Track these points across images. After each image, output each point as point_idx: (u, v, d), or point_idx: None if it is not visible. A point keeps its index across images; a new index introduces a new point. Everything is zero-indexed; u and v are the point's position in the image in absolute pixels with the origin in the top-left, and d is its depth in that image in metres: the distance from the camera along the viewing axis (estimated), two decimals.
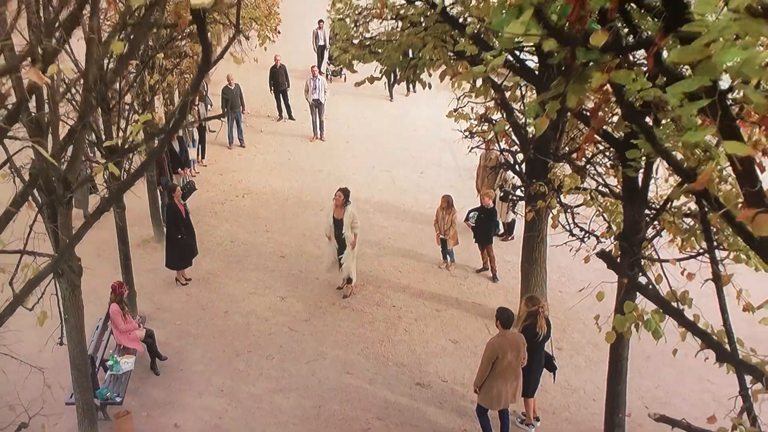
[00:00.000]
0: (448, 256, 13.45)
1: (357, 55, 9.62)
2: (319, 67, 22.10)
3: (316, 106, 19.13)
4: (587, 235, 9.92)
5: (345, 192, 12.12)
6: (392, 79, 21.96)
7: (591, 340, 11.50)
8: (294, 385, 10.48)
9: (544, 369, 9.58)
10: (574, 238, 9.92)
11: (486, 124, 11.57)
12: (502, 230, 14.45)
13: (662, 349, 11.20)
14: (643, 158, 7.12)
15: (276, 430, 9.63)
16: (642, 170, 7.55)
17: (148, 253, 14.03)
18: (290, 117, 20.94)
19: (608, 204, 8.86)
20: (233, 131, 19.00)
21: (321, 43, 24.57)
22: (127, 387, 10.00)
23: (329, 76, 23.70)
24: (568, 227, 9.99)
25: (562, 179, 9.68)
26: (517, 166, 10.79)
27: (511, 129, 10.71)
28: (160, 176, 14.08)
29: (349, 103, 22.31)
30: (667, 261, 7.85)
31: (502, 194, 13.92)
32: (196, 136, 17.23)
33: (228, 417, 9.87)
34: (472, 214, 13.16)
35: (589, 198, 8.82)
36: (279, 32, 16.94)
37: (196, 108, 17.27)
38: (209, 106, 20.25)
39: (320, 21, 24.34)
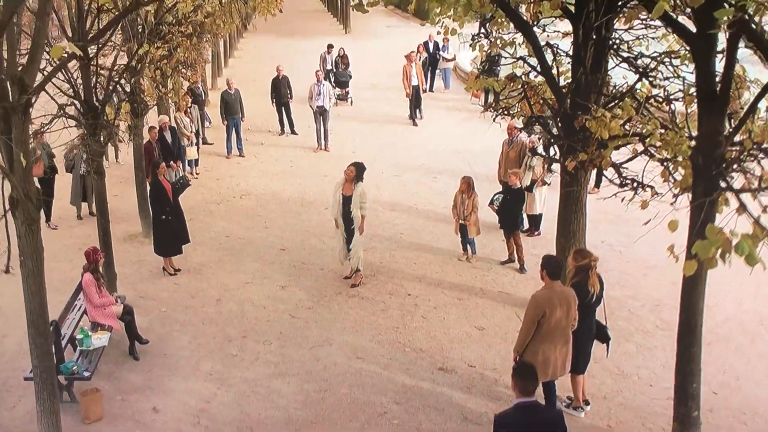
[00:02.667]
0: (468, 246, 11.98)
1: None
2: None
3: (321, 113, 17.94)
4: (640, 186, 8.54)
5: (358, 167, 10.76)
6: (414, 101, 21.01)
7: (640, 327, 9.97)
8: (295, 370, 8.92)
9: (595, 341, 8.07)
10: (625, 189, 8.54)
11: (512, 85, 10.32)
12: (527, 225, 13.01)
13: (724, 336, 9.79)
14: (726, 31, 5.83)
15: (274, 414, 8.05)
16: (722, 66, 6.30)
17: (134, 247, 12.59)
18: (293, 131, 19.71)
19: (669, 136, 7.48)
20: (232, 140, 17.76)
21: (329, 67, 23.67)
22: (98, 363, 8.45)
23: (336, 101, 22.54)
24: (618, 178, 8.63)
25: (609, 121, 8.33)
26: (551, 123, 9.49)
27: (544, 81, 9.50)
28: (149, 166, 12.75)
29: (355, 125, 21.08)
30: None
31: (528, 184, 12.59)
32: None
33: (217, 401, 8.29)
34: (496, 197, 11.79)
35: (647, 122, 7.50)
36: (281, 10, 15.90)
37: (189, 110, 16.04)
38: (208, 123, 19.20)
39: (329, 45, 23.65)
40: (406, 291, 10.94)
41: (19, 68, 6.45)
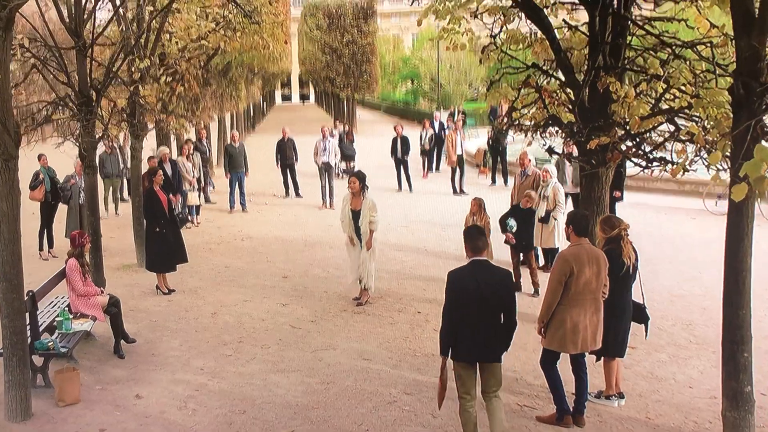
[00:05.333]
0: None
1: None
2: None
3: (326, 170, 17.64)
4: (669, 163, 8.02)
5: (360, 176, 10.31)
6: (402, 171, 20.60)
7: (671, 341, 9.13)
8: (295, 367, 8.10)
9: (632, 323, 7.32)
10: (653, 166, 8.02)
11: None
12: (543, 261, 12.32)
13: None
14: None
15: (271, 400, 7.18)
16: None
17: (128, 274, 11.95)
18: (297, 194, 19.36)
19: (701, 93, 7.05)
20: (235, 194, 17.35)
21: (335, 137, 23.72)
22: (77, 343, 7.66)
23: (340, 174, 22.32)
24: (643, 160, 8.13)
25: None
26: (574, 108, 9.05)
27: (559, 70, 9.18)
28: (146, 176, 12.23)
29: None
30: None
31: (542, 215, 12.01)
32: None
33: (207, 390, 7.45)
34: (510, 225, 11.10)
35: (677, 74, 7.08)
36: (287, 41, 15.84)
37: (192, 156, 15.73)
38: (212, 188, 18.96)
39: (336, 119, 23.75)
40: (416, 309, 10.19)
41: None
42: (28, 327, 7.12)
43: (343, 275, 11.32)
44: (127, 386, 7.52)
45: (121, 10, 9.91)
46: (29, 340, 7.03)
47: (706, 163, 6.94)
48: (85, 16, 9.06)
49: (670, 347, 8.95)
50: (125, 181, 17.42)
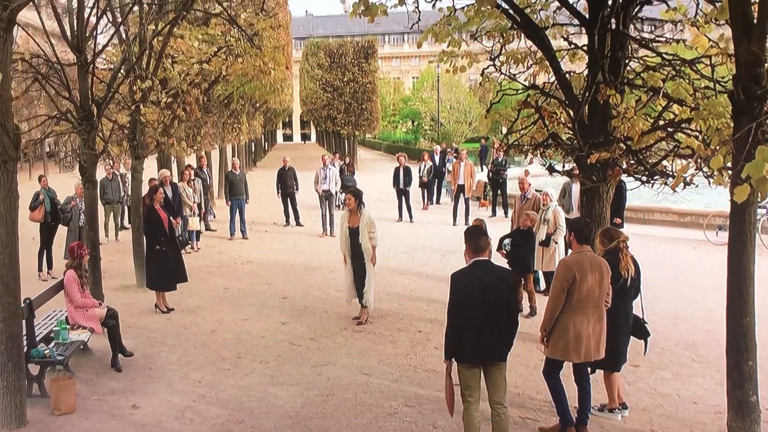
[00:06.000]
0: None
1: None
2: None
3: (327, 197, 17.67)
4: (669, 176, 8.02)
5: (356, 194, 10.31)
6: (404, 201, 20.61)
7: (674, 360, 9.04)
8: (295, 381, 7.99)
9: (632, 337, 7.23)
10: (653, 181, 8.01)
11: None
12: (543, 285, 12.26)
13: None
14: None
15: (270, 411, 7.07)
16: None
17: (127, 294, 11.89)
18: (297, 222, 19.36)
19: (701, 104, 7.09)
20: (235, 222, 17.33)
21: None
22: (74, 352, 7.58)
23: (340, 206, 22.36)
24: (644, 175, 8.12)
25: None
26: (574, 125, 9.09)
27: (558, 88, 9.24)
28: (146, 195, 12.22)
29: None
30: None
31: (543, 239, 11.99)
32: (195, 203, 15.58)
33: (205, 401, 7.34)
34: (506, 242, 11.15)
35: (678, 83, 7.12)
36: (288, 67, 15.97)
37: (193, 182, 15.75)
38: (212, 216, 18.98)
39: (335, 153, 23.86)
40: (417, 328, 10.10)
41: None
42: (25, 335, 7.05)
43: (343, 296, 11.23)
44: (123, 397, 7.41)
45: (122, 28, 10.00)
46: (25, 347, 6.95)
47: (707, 174, 7.00)
48: (87, 33, 9.15)
49: (674, 366, 8.86)
50: (126, 209, 17.40)
